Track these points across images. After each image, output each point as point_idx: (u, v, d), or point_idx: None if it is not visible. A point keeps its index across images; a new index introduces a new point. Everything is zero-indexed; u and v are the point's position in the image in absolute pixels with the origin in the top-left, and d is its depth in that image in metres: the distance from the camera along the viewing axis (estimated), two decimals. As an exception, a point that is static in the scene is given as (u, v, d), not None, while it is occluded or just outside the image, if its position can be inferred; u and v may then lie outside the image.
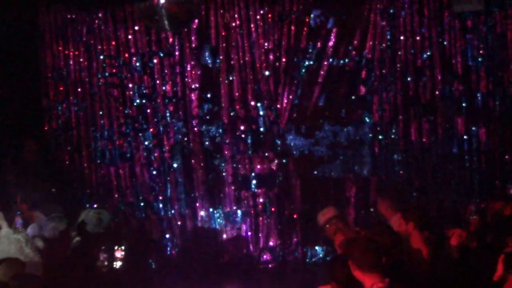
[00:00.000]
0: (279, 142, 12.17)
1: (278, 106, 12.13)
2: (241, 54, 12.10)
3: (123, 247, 8.17)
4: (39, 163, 11.63)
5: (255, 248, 12.22)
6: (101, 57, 12.24)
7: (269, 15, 12.02)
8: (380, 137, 11.96)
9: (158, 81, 12.26)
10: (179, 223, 12.28)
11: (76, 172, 12.28)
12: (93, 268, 7.36)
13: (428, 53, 11.76)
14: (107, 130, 12.30)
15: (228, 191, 12.27)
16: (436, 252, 7.22)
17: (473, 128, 11.71)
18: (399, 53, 11.83)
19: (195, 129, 12.26)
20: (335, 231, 8.09)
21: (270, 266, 12.16)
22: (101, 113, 12.30)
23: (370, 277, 5.55)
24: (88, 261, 7.38)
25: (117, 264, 8.08)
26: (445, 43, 11.76)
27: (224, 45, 12.09)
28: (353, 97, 12.08)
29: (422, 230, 7.28)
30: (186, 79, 12.23)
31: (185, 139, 12.29)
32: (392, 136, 11.91)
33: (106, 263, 7.55)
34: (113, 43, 12.21)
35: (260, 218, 12.23)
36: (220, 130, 12.25)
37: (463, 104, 11.73)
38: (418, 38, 11.77)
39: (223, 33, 12.08)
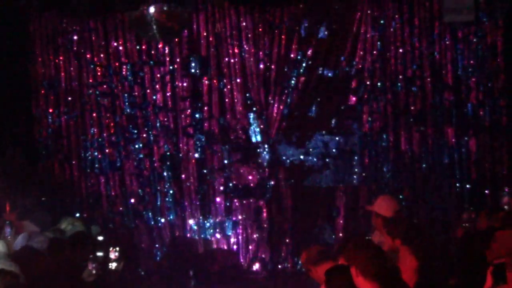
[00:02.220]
0: (269, 152, 12.16)
1: (269, 115, 12.14)
2: (232, 63, 12.11)
3: (117, 248, 8.17)
4: (29, 172, 11.59)
5: (245, 258, 12.21)
6: (92, 66, 12.23)
7: (260, 25, 12.05)
8: (370, 147, 11.97)
9: (148, 91, 12.27)
10: (168, 232, 12.27)
11: (66, 181, 12.25)
12: (79, 276, 7.35)
13: (419, 63, 11.79)
14: (97, 139, 12.28)
15: (218, 200, 12.26)
16: (426, 265, 7.15)
17: (464, 138, 11.73)
18: (390, 63, 11.85)
19: (185, 138, 12.26)
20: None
21: (260, 276, 12.14)
22: (91, 122, 12.29)
23: (371, 286, 5.54)
24: (74, 270, 7.36)
25: (113, 265, 8.09)
26: (435, 53, 11.79)
27: (214, 54, 12.12)
28: (343, 107, 12.09)
29: (410, 243, 7.18)
30: (177, 89, 12.24)
31: (176, 148, 12.28)
32: (383, 146, 11.92)
33: (94, 271, 7.54)
34: (104, 52, 12.21)
35: (250, 228, 12.22)
36: (211, 140, 12.24)
37: (453, 114, 11.76)
38: (408, 48, 11.79)
39: (213, 43, 12.10)
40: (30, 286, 6.79)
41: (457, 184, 11.73)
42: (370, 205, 8.14)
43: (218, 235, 12.27)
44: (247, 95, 12.16)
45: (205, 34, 12.12)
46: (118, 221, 12.18)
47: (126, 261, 9.45)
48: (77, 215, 11.11)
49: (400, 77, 11.84)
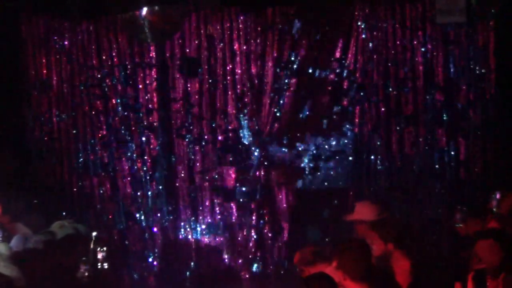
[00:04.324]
0: (261, 153, 12.17)
1: (260, 117, 12.15)
2: (224, 65, 12.12)
3: (104, 248, 8.19)
4: (21, 174, 11.57)
5: (237, 259, 12.21)
6: (84, 68, 12.21)
7: (252, 26, 12.05)
8: (361, 148, 11.99)
9: (141, 92, 12.25)
10: (160, 234, 12.26)
11: (58, 183, 12.23)
12: (72, 279, 7.38)
13: (410, 65, 11.80)
14: (89, 141, 12.26)
15: (210, 202, 12.27)
16: (419, 267, 7.18)
17: (455, 139, 11.75)
18: (381, 64, 11.87)
19: (178, 139, 12.26)
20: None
21: (252, 277, 12.15)
22: (83, 123, 12.26)
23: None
24: (66, 272, 7.39)
25: (100, 266, 8.11)
26: (427, 54, 11.81)
27: (206, 56, 12.11)
28: (335, 109, 12.10)
29: (403, 246, 7.21)
30: (169, 90, 12.23)
31: (168, 149, 12.28)
32: (374, 147, 11.93)
33: (86, 273, 7.57)
34: (96, 54, 12.19)
35: (242, 230, 12.23)
36: (203, 141, 12.24)
37: (445, 116, 11.78)
38: (400, 49, 11.81)
39: (205, 44, 12.10)
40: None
41: (448, 185, 11.76)
42: (351, 214, 8.13)
43: (209, 237, 12.27)
44: (239, 96, 12.16)
45: (197, 35, 12.11)
46: (110, 223, 12.17)
47: (118, 262, 9.49)
48: (69, 217, 11.06)
49: (392, 78, 11.85)
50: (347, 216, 8.25)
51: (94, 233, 8.60)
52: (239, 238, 12.23)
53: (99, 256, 8.13)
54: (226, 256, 12.21)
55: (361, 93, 11.95)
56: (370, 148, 11.97)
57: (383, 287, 6.03)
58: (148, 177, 12.26)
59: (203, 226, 12.28)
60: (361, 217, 7.81)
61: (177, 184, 12.31)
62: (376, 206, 7.87)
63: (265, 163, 12.23)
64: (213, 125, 12.22)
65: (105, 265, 8.16)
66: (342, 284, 5.82)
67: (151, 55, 12.21)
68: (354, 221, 7.98)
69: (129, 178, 12.27)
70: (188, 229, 12.27)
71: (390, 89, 11.85)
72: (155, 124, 12.26)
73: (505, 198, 8.82)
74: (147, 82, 12.25)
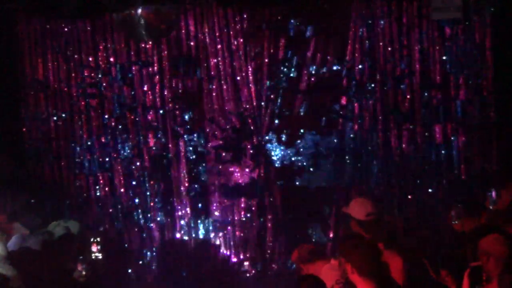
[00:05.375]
0: (259, 152, 12.18)
1: (259, 115, 12.14)
2: (221, 63, 12.11)
3: (98, 239, 8.17)
4: (18, 174, 11.56)
5: (235, 257, 12.21)
6: (80, 67, 12.20)
7: (249, 25, 12.05)
8: (359, 146, 11.99)
9: (138, 91, 12.25)
10: (158, 233, 12.25)
11: (55, 183, 12.22)
12: (69, 279, 7.38)
13: (407, 61, 11.80)
14: (86, 140, 12.25)
15: (209, 201, 12.26)
16: (413, 265, 7.18)
17: (452, 136, 11.75)
18: (378, 61, 11.87)
19: (175, 138, 12.25)
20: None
21: (250, 275, 12.16)
22: (80, 123, 12.25)
23: (367, 284, 5.57)
24: (63, 272, 7.40)
25: (96, 257, 8.10)
26: (424, 51, 11.81)
27: (203, 54, 12.11)
28: (332, 106, 12.10)
29: (393, 246, 7.22)
30: (166, 89, 12.22)
31: (165, 148, 12.27)
32: (372, 145, 11.93)
33: (84, 272, 7.57)
34: (92, 53, 12.18)
35: (241, 228, 12.23)
36: (201, 140, 12.24)
37: (442, 112, 11.78)
38: (397, 46, 11.81)
39: (202, 43, 12.09)
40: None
41: (446, 182, 11.76)
42: (346, 208, 8.14)
43: (208, 235, 12.27)
44: (237, 95, 12.16)
45: (193, 34, 12.11)
46: (108, 223, 12.15)
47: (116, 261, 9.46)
48: (67, 217, 11.06)
49: (389, 75, 11.85)
50: (344, 208, 8.25)
51: (92, 233, 8.59)
52: (238, 237, 12.23)
53: (94, 248, 8.11)
54: (225, 255, 12.21)
55: (359, 91, 11.94)
56: (368, 146, 11.97)
57: (388, 285, 6.03)
58: (146, 177, 12.25)
59: (202, 225, 12.27)
60: (351, 213, 7.83)
61: (175, 183, 12.29)
62: (368, 206, 7.82)
63: (264, 162, 12.22)
64: (211, 123, 12.21)
65: (99, 256, 8.12)
66: (349, 278, 5.83)
67: (147, 54, 12.20)
68: (347, 215, 8.00)
69: (126, 178, 12.25)
70: (187, 228, 12.26)
71: (388, 87, 11.85)
72: (152, 123, 12.24)
73: (504, 190, 8.80)
74: (144, 81, 12.24)
